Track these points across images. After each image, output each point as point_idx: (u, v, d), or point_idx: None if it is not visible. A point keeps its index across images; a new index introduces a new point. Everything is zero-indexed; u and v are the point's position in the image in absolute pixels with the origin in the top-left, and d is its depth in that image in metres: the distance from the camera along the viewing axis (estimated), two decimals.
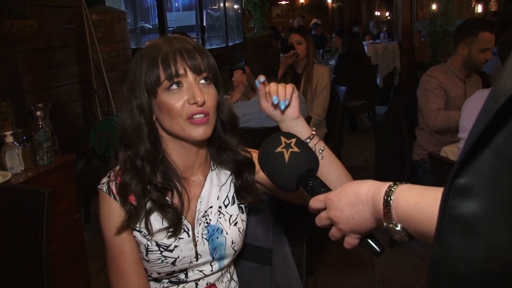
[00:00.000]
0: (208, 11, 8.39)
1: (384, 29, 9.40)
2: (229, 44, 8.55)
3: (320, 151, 1.13)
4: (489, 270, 0.45)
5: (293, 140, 0.97)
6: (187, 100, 1.13)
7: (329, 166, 1.14)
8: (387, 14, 13.24)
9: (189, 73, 1.14)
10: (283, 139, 0.97)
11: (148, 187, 1.19)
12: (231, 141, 1.27)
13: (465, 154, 0.46)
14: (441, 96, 2.91)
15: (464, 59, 2.92)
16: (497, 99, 0.41)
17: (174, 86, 1.13)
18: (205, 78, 1.16)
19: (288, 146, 0.95)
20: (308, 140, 1.12)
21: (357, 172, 4.83)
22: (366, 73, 6.07)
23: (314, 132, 1.15)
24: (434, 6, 6.61)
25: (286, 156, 0.93)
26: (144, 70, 1.15)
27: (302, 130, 1.13)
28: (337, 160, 1.17)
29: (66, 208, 2.62)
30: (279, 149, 0.95)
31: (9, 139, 2.31)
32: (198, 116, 1.14)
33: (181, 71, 1.13)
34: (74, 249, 2.70)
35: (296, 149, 0.94)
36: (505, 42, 2.38)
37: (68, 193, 2.65)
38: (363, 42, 7.51)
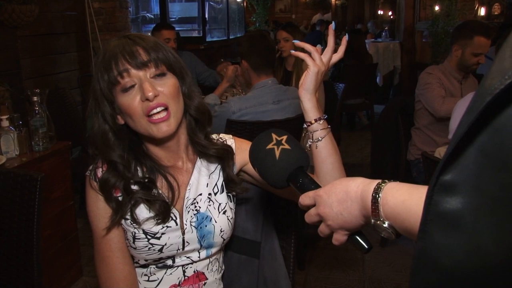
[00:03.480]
0: (211, 3, 8.35)
1: (386, 28, 9.38)
2: (230, 37, 8.53)
3: (318, 139, 1.15)
4: (470, 265, 0.46)
5: (284, 137, 0.97)
6: (140, 98, 1.12)
7: (325, 158, 1.17)
8: (390, 13, 13.20)
9: (134, 71, 1.13)
10: (274, 136, 0.97)
11: (132, 185, 1.19)
12: (199, 136, 1.27)
13: (450, 151, 0.46)
14: (443, 88, 2.91)
15: (457, 60, 2.92)
16: (483, 98, 0.42)
17: (125, 87, 1.13)
18: (155, 71, 1.15)
19: (279, 143, 0.95)
20: (312, 122, 1.16)
21: (353, 170, 4.84)
22: (366, 71, 6.07)
23: (316, 118, 1.17)
24: (437, 7, 6.59)
25: (277, 153, 0.94)
26: (98, 77, 1.16)
27: (311, 108, 1.17)
28: (336, 154, 1.19)
29: (60, 194, 2.63)
30: (270, 146, 0.95)
31: (5, 123, 2.32)
32: (156, 112, 1.13)
33: (124, 72, 1.12)
34: (67, 235, 2.71)
35: (287, 146, 0.95)
36: (500, 45, 2.39)
37: (63, 180, 2.66)
38: (365, 41, 7.49)
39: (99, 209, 1.20)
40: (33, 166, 2.37)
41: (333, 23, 1.20)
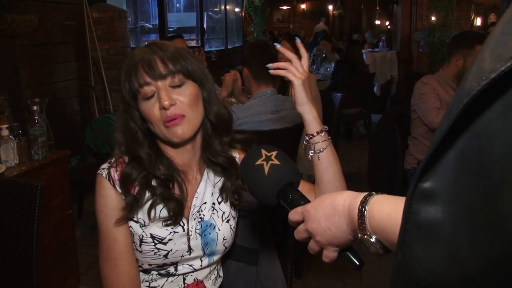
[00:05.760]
0: (209, 13, 8.40)
1: (383, 38, 9.45)
2: (228, 47, 8.57)
3: (320, 151, 1.19)
4: (449, 277, 0.43)
5: (274, 152, 0.96)
6: (159, 106, 1.17)
7: (326, 168, 1.20)
8: (387, 23, 13.29)
9: (153, 82, 1.17)
10: (263, 151, 0.96)
11: (152, 181, 1.22)
12: (215, 142, 1.29)
13: (429, 156, 0.44)
14: (438, 99, 2.93)
15: (457, 70, 2.93)
16: (461, 100, 0.40)
17: (146, 96, 1.18)
18: (172, 82, 1.18)
19: (268, 158, 0.94)
20: (314, 135, 1.18)
21: (350, 179, 4.83)
22: (364, 81, 6.11)
23: (318, 131, 1.20)
24: (433, 18, 6.64)
25: (266, 169, 0.92)
26: (122, 85, 1.21)
27: (312, 120, 1.21)
28: (337, 164, 1.23)
29: (59, 203, 2.63)
30: (259, 162, 0.94)
31: (5, 132, 2.33)
32: (172, 119, 1.17)
33: (143, 83, 1.17)
34: (65, 244, 2.71)
35: (276, 162, 0.93)
36: None
37: (62, 189, 2.67)
38: (362, 51, 7.55)
39: (110, 208, 1.21)
40: (32, 175, 2.38)
41: (297, 38, 1.31)
